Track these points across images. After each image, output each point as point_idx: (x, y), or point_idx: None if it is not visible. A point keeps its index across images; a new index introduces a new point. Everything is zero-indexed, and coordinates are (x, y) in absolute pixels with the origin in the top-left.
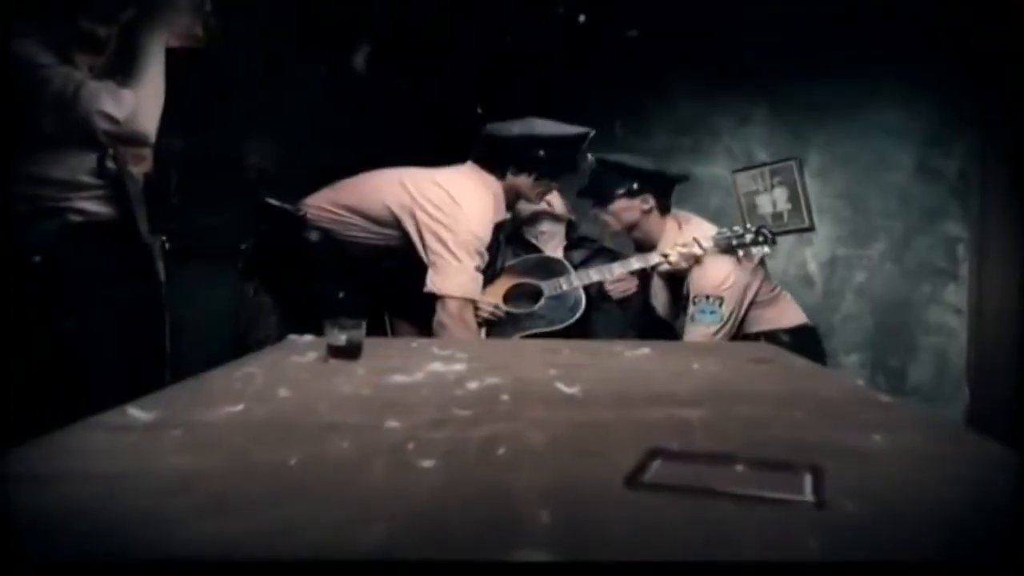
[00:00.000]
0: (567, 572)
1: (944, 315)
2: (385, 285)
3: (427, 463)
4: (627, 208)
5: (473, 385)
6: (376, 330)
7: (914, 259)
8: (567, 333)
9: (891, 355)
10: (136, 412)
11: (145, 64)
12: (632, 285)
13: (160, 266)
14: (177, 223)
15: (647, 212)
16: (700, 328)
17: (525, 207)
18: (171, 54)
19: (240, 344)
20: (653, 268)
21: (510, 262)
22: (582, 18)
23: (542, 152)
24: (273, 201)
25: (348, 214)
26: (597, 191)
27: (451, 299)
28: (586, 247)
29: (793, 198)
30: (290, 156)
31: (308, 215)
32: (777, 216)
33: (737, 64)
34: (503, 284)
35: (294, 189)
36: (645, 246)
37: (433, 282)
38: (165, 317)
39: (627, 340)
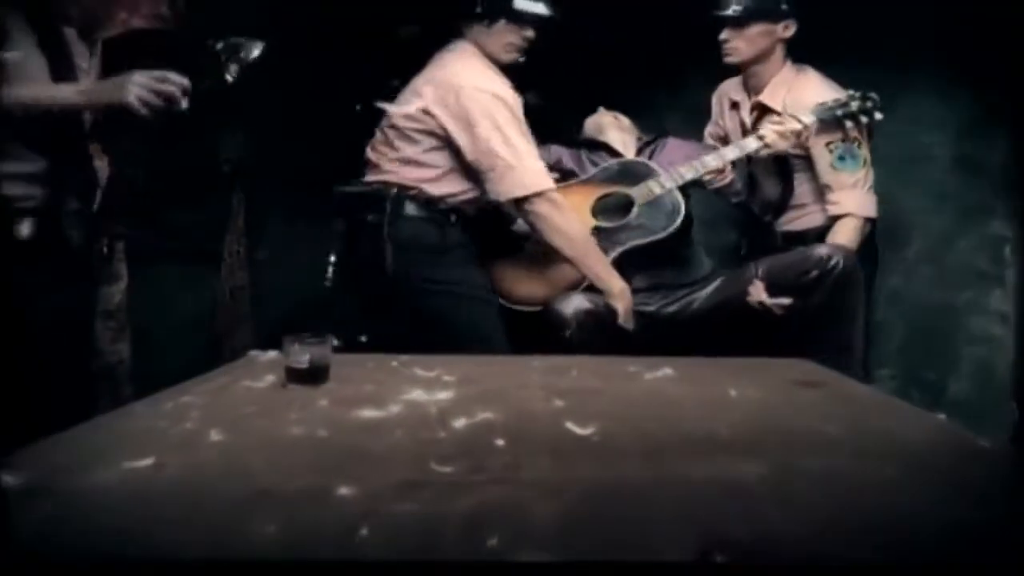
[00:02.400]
0: (567, 572)
1: (988, 323)
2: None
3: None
4: (764, 33)
5: (460, 423)
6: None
7: (954, 261)
8: (669, 257)
9: (927, 367)
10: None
11: None
12: (729, 173)
13: (121, 268)
14: (144, 222)
15: (779, 43)
16: (844, 176)
17: (591, 122)
18: (136, 36)
19: (214, 353)
20: (751, 156)
21: (588, 173)
22: None
23: None
24: (355, 187)
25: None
26: (743, 8)
27: (535, 196)
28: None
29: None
30: (268, 148)
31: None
32: None
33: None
34: (586, 198)
35: (273, 185)
36: (750, 88)
37: (502, 190)
38: (90, 336)
39: (646, 358)
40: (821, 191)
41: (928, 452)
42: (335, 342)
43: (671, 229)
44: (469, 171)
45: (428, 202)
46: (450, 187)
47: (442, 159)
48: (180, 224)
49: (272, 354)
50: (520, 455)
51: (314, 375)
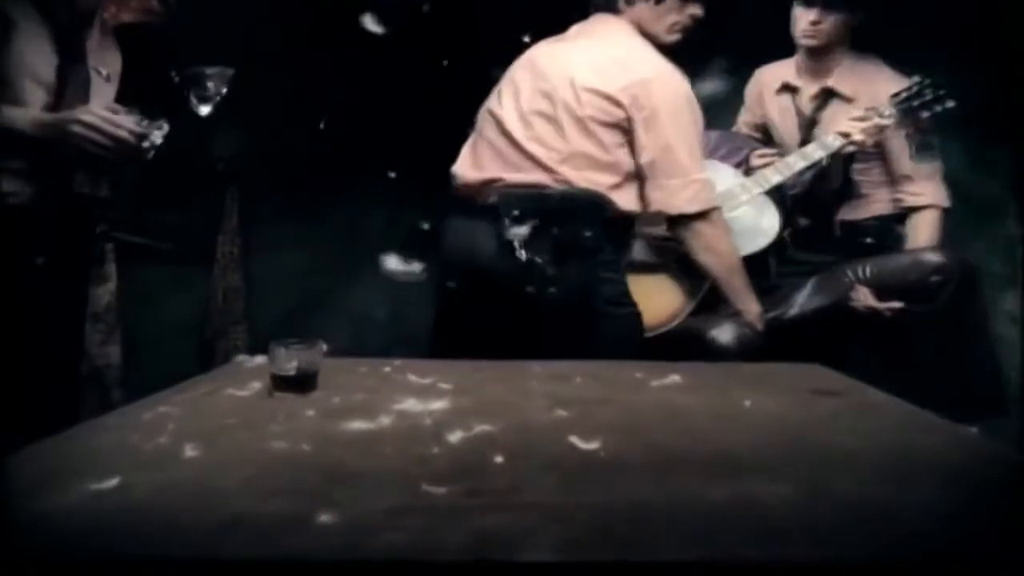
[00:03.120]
0: (567, 572)
1: (999, 325)
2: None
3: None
4: (841, 21)
5: (456, 436)
6: None
7: None
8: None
9: None
10: None
11: None
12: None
13: (110, 269)
14: (136, 221)
15: (850, 30)
16: (924, 166)
17: None
18: (125, 29)
19: (206, 355)
20: (832, 155)
21: None
22: None
23: None
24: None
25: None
26: None
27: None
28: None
29: None
30: (263, 146)
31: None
32: None
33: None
34: None
35: (268, 184)
36: (811, 73)
37: (675, 203)
38: (80, 335)
39: (652, 364)
40: (889, 181)
41: (966, 471)
42: (324, 347)
43: (765, 242)
44: (639, 175)
45: (607, 208)
46: (632, 193)
47: (625, 160)
48: (171, 224)
49: (260, 359)
50: (521, 474)
51: (302, 383)
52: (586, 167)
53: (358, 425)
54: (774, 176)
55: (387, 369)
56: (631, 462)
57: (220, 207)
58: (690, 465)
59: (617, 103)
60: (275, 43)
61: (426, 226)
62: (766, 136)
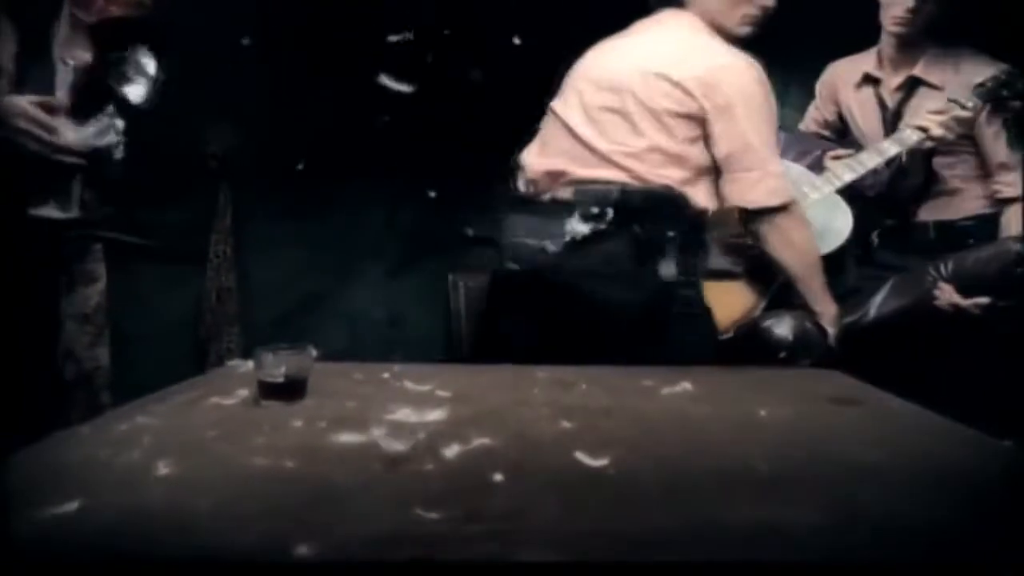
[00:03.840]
0: (567, 572)
1: None
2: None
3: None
4: (936, 8)
5: (452, 451)
6: None
7: None
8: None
9: None
10: None
11: None
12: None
13: (99, 269)
14: (125, 219)
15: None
16: (1017, 156)
17: None
18: (111, 23)
19: (200, 357)
20: (910, 150)
21: None
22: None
23: None
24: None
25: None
26: None
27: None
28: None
29: None
30: (257, 142)
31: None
32: None
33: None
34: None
35: (263, 181)
36: (893, 62)
37: (753, 197)
38: (55, 345)
39: (660, 370)
40: (981, 175)
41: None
42: (314, 352)
43: (838, 242)
44: (710, 170)
45: (687, 206)
46: (705, 190)
47: (698, 154)
48: (163, 222)
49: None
50: (522, 495)
51: (290, 390)
52: (658, 162)
53: (347, 438)
54: (847, 174)
55: (385, 375)
56: (642, 481)
57: (213, 205)
58: (706, 485)
59: (690, 93)
60: (269, 36)
61: (471, 232)
62: (838, 135)
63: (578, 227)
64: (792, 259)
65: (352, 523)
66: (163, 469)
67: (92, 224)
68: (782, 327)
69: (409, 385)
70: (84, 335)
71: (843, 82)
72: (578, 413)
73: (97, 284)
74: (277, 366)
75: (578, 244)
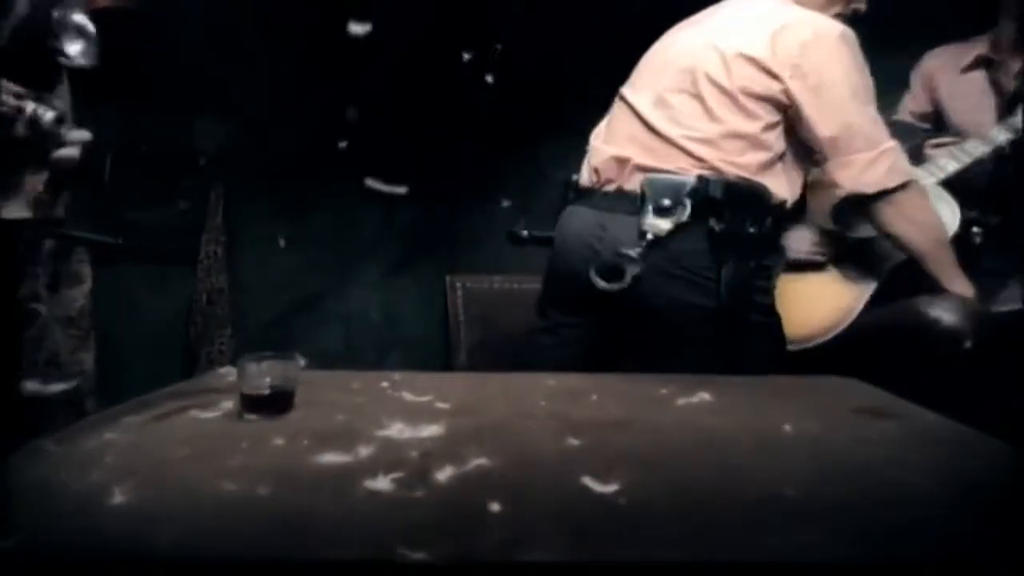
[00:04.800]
0: (567, 572)
1: None
2: None
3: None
4: None
5: (446, 474)
6: None
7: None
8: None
9: None
10: None
11: None
12: None
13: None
14: (112, 218)
15: None
16: None
17: None
18: (99, 16)
19: (190, 360)
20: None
21: None
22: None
23: None
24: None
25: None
26: None
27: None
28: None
29: None
30: (247, 139)
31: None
32: None
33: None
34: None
35: (255, 180)
36: (1012, 45)
37: (869, 179)
38: (17, 352)
39: (676, 378)
40: None
41: None
42: (302, 362)
43: (953, 233)
44: (801, 159)
45: (769, 199)
46: (780, 178)
47: (775, 141)
48: (151, 221)
49: None
50: (521, 529)
51: (275, 403)
52: (735, 149)
53: (331, 458)
54: (950, 163)
55: (384, 384)
56: (656, 509)
57: (204, 204)
58: (729, 512)
59: (773, 74)
60: (262, 33)
61: (525, 233)
62: (936, 125)
63: (652, 223)
64: (918, 237)
65: (326, 565)
66: (119, 496)
67: (49, 223)
68: (949, 314)
69: (407, 396)
70: (68, 339)
71: (941, 71)
72: (587, 429)
73: (83, 286)
74: (261, 377)
75: (652, 242)
